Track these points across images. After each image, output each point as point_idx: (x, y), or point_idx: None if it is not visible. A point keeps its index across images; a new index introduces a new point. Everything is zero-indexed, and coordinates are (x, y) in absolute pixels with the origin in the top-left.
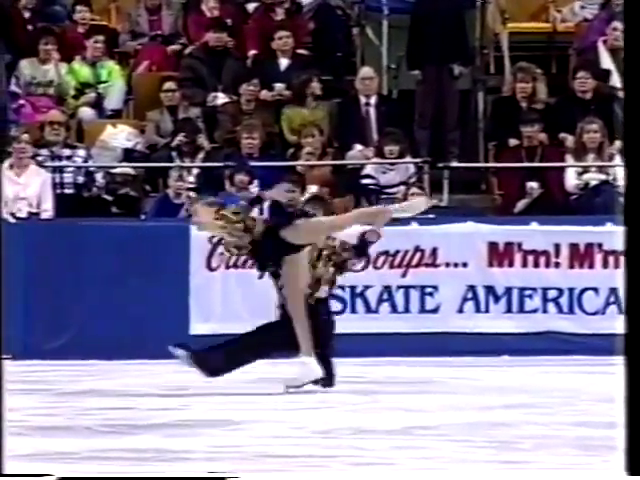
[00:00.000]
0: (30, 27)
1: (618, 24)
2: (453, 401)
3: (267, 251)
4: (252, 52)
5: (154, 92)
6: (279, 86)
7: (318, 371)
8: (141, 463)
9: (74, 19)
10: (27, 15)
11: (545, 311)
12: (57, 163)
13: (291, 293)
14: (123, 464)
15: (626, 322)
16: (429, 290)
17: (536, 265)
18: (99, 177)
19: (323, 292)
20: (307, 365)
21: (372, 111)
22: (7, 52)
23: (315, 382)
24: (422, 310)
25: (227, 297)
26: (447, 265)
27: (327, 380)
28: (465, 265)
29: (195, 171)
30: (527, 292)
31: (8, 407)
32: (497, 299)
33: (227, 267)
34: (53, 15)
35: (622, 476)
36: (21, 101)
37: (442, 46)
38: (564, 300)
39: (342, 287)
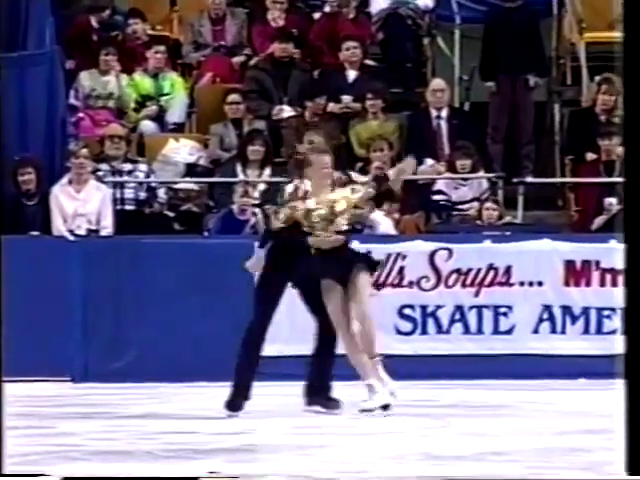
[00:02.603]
0: (95, 37)
1: None
2: (528, 426)
3: None
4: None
5: (218, 105)
6: (346, 98)
7: (387, 396)
8: None
9: (130, 31)
10: (95, 24)
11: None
12: (118, 178)
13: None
14: None
15: (626, 342)
16: (503, 310)
17: (614, 284)
18: (161, 193)
19: None
20: (377, 389)
21: (443, 124)
22: (68, 62)
23: (384, 407)
24: (496, 331)
25: (294, 317)
26: (522, 284)
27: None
28: (540, 284)
29: (261, 187)
30: (605, 312)
31: (67, 431)
32: (574, 319)
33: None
34: (113, 24)
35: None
36: (80, 114)
37: (517, 56)
38: None
39: (412, 306)
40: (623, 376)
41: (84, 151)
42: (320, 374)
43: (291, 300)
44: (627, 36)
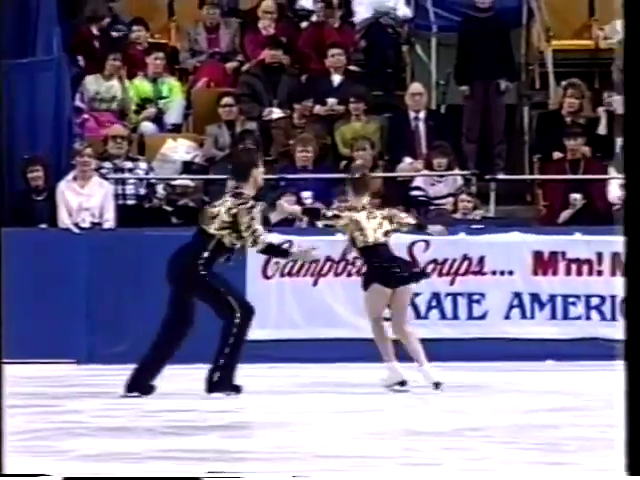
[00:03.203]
0: (97, 44)
1: None
2: (500, 404)
3: None
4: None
5: (212, 107)
6: (332, 101)
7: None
8: (200, 463)
9: (132, 38)
10: (95, 32)
11: (588, 318)
12: (120, 175)
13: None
14: (183, 464)
15: (626, 328)
16: (476, 297)
17: (579, 273)
18: (160, 189)
19: None
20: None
21: (421, 125)
22: (74, 67)
23: (401, 384)
24: (470, 316)
25: (282, 304)
26: (494, 273)
27: None
28: (511, 273)
29: None
30: (571, 299)
31: (74, 409)
32: (542, 306)
33: (282, 275)
34: (115, 32)
35: (622, 476)
36: (85, 116)
37: (489, 62)
38: (606, 307)
39: None
40: (624, 369)
41: (88, 150)
42: (159, 360)
43: (280, 288)
44: (627, 37)
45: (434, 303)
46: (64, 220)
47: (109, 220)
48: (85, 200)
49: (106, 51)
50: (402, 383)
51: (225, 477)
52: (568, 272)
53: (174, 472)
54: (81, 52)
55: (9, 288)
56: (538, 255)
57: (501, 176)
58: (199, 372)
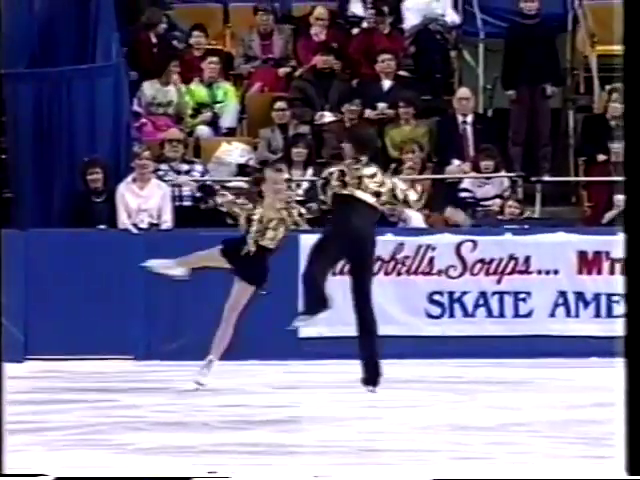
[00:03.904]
0: (155, 50)
1: None
2: (546, 400)
3: None
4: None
5: (266, 111)
6: (382, 105)
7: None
8: (253, 456)
9: (191, 43)
10: (154, 40)
11: None
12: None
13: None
14: (236, 457)
15: (626, 325)
16: (522, 296)
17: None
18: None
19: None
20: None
21: (469, 129)
22: (133, 71)
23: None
24: (516, 314)
25: (334, 302)
26: (539, 272)
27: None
28: (556, 272)
29: (304, 185)
30: (614, 298)
31: (131, 404)
32: (586, 304)
33: (333, 274)
34: (174, 39)
35: (622, 475)
36: (143, 120)
37: (535, 67)
38: None
39: (441, 293)
40: (624, 368)
41: (146, 153)
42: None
43: (331, 287)
44: (627, 38)
45: (481, 301)
46: (124, 221)
47: (167, 221)
48: (144, 202)
49: (164, 57)
50: (199, 383)
51: (217, 477)
52: (612, 271)
53: (228, 465)
54: (140, 58)
55: (71, 288)
56: (583, 255)
57: (547, 178)
58: (253, 368)
